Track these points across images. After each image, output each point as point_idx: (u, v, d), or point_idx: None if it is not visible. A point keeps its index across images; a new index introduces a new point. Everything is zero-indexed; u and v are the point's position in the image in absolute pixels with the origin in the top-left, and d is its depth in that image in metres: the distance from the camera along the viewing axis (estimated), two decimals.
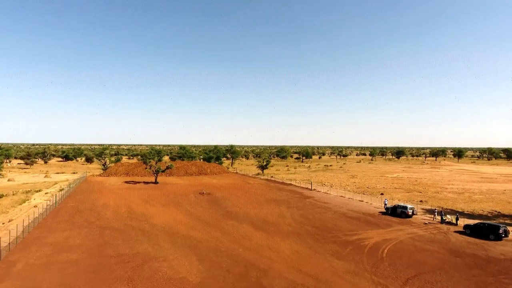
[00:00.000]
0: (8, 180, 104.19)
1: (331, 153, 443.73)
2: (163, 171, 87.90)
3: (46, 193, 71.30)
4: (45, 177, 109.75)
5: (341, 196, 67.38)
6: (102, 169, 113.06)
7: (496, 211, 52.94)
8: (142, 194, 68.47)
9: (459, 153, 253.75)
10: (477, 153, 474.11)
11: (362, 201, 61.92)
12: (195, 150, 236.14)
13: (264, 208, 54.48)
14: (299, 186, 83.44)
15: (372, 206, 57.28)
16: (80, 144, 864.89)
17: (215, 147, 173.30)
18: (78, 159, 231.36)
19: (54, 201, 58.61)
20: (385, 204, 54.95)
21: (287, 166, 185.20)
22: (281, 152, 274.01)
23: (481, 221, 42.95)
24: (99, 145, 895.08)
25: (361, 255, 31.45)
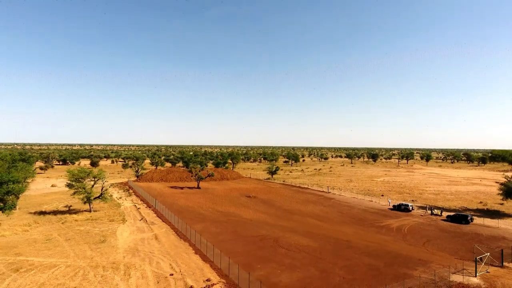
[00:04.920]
0: (52, 186, 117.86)
1: (309, 154, 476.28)
2: (203, 179, 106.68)
3: (120, 198, 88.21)
4: None
5: (354, 197, 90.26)
6: (136, 176, 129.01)
7: (464, 206, 77.81)
8: (201, 197, 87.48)
9: (427, 157, 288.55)
10: (440, 155, 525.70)
11: (371, 201, 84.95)
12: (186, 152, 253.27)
13: (307, 206, 75.87)
14: (315, 190, 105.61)
15: (380, 204, 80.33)
16: (51, 144, 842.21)
17: (221, 153, 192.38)
18: (77, 162, 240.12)
19: (146, 204, 76.67)
20: (389, 203, 78.34)
21: (282, 169, 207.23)
22: (270, 156, 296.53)
23: (456, 213, 66.78)
24: (69, 145, 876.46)
25: (392, 232, 53.77)
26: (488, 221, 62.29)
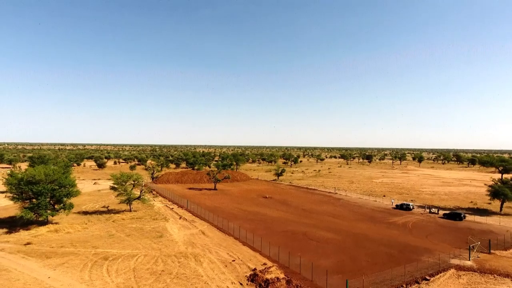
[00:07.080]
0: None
1: (304, 155, 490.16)
2: (220, 181, 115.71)
3: (148, 199, 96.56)
4: (94, 184, 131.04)
5: (359, 197, 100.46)
6: (152, 178, 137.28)
7: (457, 206, 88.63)
8: (222, 198, 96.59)
9: (420, 158, 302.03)
10: (431, 155, 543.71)
11: (375, 201, 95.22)
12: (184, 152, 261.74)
13: (321, 206, 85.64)
14: (323, 191, 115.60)
15: (384, 204, 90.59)
16: (43, 144, 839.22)
17: (231, 155, 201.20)
18: (82, 163, 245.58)
19: (177, 205, 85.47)
20: (392, 203, 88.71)
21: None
22: (270, 157, 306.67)
23: (451, 211, 77.29)
24: (61, 144, 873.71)
25: (399, 227, 63.88)
26: (478, 218, 72.86)
